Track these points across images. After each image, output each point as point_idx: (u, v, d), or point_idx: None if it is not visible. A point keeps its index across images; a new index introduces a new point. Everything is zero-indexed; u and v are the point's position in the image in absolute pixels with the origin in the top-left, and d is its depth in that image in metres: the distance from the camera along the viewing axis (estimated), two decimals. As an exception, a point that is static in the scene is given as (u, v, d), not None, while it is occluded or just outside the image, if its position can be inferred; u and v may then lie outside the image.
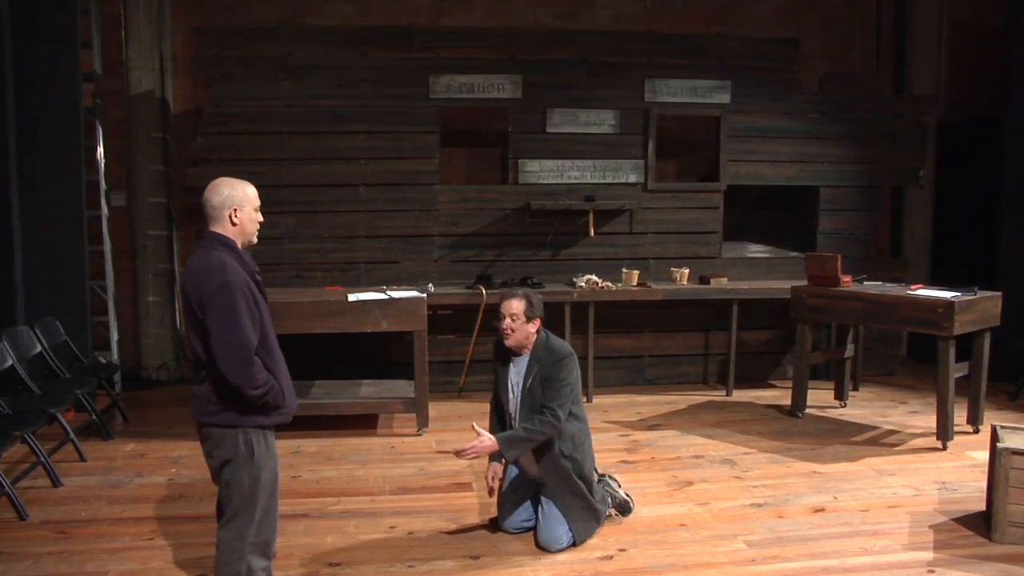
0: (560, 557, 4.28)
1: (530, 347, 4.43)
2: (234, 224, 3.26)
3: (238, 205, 3.26)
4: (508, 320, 4.36)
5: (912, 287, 6.48)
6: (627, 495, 4.83)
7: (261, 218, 3.37)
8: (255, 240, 3.36)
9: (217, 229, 3.27)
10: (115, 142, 7.66)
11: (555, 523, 4.36)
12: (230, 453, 3.25)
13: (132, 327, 7.91)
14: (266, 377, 3.21)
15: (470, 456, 4.26)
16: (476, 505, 4.93)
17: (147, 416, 6.88)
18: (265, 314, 3.28)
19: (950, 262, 8.61)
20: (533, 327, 4.39)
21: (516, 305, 4.35)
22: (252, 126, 7.40)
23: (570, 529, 4.38)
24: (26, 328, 6.17)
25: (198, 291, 3.12)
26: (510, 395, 4.47)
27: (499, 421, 4.61)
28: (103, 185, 7.44)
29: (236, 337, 3.11)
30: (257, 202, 3.34)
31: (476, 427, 4.27)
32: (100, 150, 7.42)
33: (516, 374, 4.46)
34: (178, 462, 5.73)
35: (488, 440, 4.23)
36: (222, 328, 3.10)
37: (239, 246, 3.28)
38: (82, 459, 5.74)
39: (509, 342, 4.39)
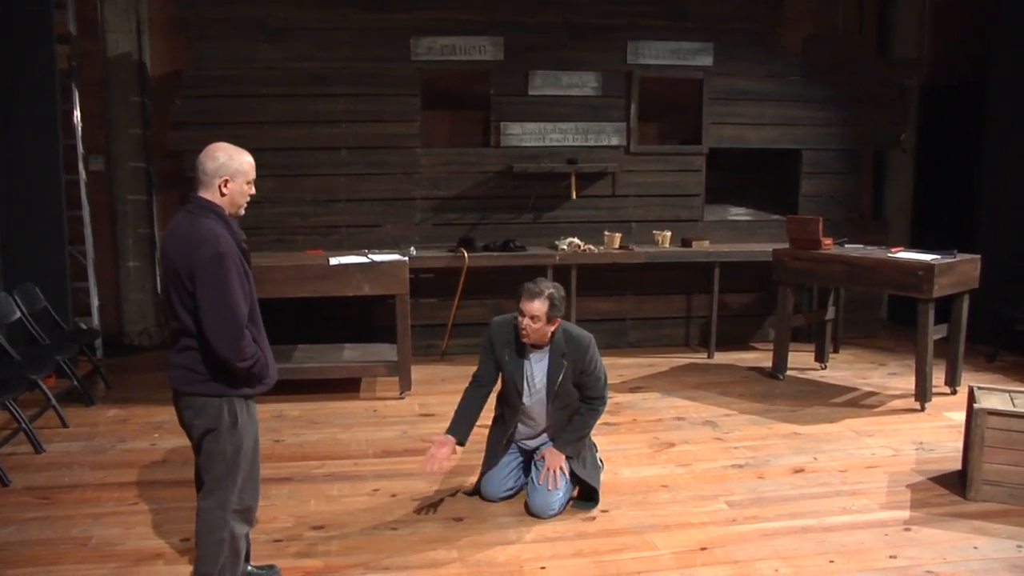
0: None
1: (548, 341, 4.34)
2: (223, 194, 3.18)
3: (230, 176, 3.17)
4: (528, 320, 4.21)
5: (893, 250, 6.50)
6: (601, 460, 4.83)
7: (253, 191, 3.28)
8: (242, 212, 3.28)
9: (206, 195, 3.18)
10: (92, 106, 7.51)
11: (550, 489, 4.36)
12: (213, 422, 3.21)
13: (113, 293, 7.83)
14: (254, 349, 3.17)
15: (437, 468, 4.26)
16: (459, 468, 4.94)
17: (129, 382, 6.85)
18: (251, 284, 3.23)
19: (930, 225, 8.62)
20: (553, 327, 4.28)
21: (539, 307, 4.19)
22: (232, 89, 7.27)
23: (573, 484, 4.41)
24: (5, 294, 6.09)
25: (188, 260, 3.04)
26: (526, 387, 4.39)
27: (506, 410, 4.52)
28: (80, 149, 7.30)
29: (228, 311, 3.06)
30: (252, 175, 3.25)
31: (426, 440, 4.39)
32: (77, 113, 7.27)
33: (536, 368, 4.37)
34: (160, 427, 5.71)
35: (447, 445, 4.27)
36: (214, 301, 3.04)
37: (227, 213, 3.21)
38: (64, 425, 5.71)
39: (525, 340, 4.29)
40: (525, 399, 4.41)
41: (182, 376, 3.20)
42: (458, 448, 4.37)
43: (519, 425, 4.52)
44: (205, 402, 3.20)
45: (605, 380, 4.42)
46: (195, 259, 3.03)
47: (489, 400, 4.55)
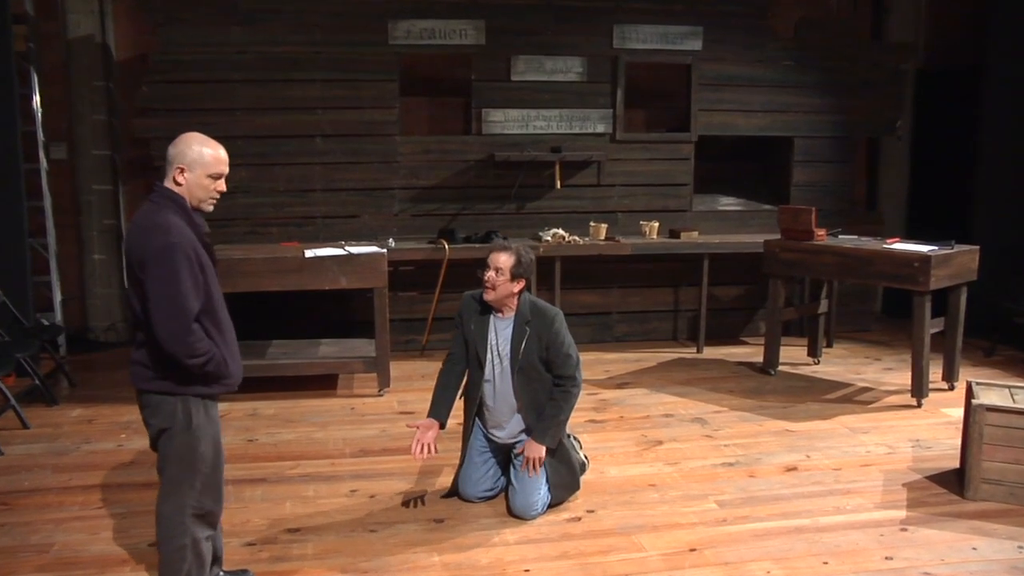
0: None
1: (513, 308, 4.35)
2: (178, 184, 3.12)
3: (186, 166, 3.11)
4: (492, 273, 4.27)
5: (888, 241, 6.53)
6: (586, 457, 4.82)
7: (222, 187, 3.21)
8: (208, 208, 3.21)
9: (168, 183, 3.14)
10: (53, 90, 7.42)
11: (531, 488, 4.33)
12: (167, 421, 3.17)
13: (77, 287, 7.76)
14: (206, 346, 3.10)
15: (427, 454, 4.29)
16: (440, 467, 4.91)
17: (95, 380, 6.78)
18: (212, 279, 3.17)
19: (927, 215, 8.65)
20: (517, 286, 4.30)
21: (504, 259, 4.26)
22: (202, 74, 7.21)
23: (548, 486, 4.39)
24: (-38, 288, 6.04)
25: (140, 251, 3.01)
26: (488, 355, 4.37)
27: (471, 381, 4.49)
28: (40, 136, 7.21)
29: (175, 303, 3.00)
30: (214, 169, 3.16)
31: (410, 424, 4.40)
32: (36, 99, 7.18)
33: (500, 336, 4.37)
34: (128, 427, 5.65)
35: (431, 428, 4.32)
36: (161, 292, 3.00)
37: (189, 205, 3.15)
38: (24, 426, 5.65)
39: (488, 296, 4.30)
40: (488, 371, 4.37)
41: (138, 373, 3.18)
42: (442, 434, 4.39)
43: (487, 413, 4.47)
44: (160, 400, 3.16)
45: (577, 361, 4.39)
46: (145, 248, 3.00)
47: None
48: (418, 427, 4.33)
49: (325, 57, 7.37)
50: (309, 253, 6.27)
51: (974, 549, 4.02)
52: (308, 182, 7.49)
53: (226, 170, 3.22)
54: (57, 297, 7.38)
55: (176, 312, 3.01)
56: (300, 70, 7.35)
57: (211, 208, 3.23)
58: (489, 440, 4.53)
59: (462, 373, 4.52)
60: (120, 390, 6.33)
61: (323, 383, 6.60)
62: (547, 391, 4.37)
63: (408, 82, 7.61)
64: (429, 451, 4.30)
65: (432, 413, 4.41)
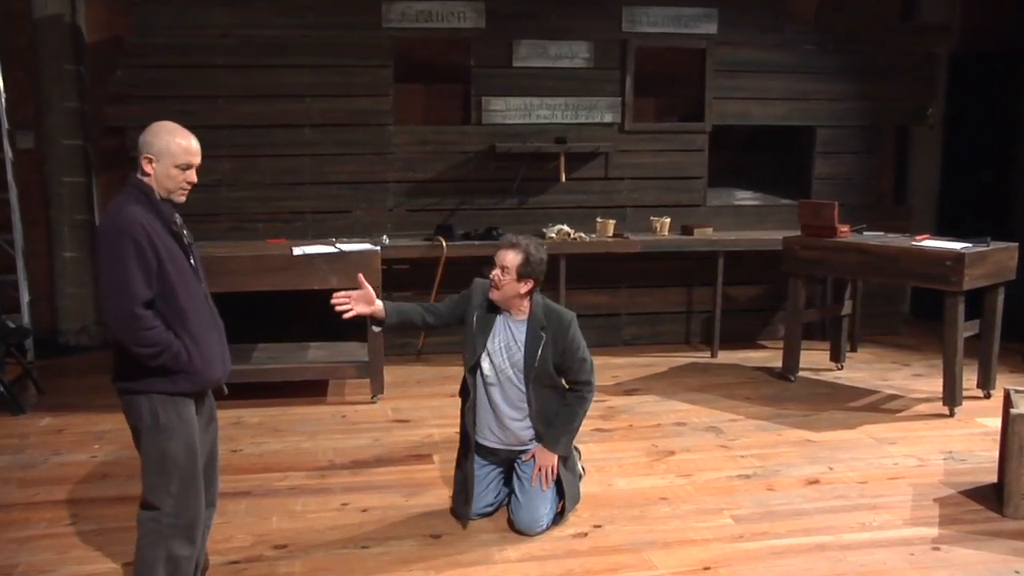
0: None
1: (524, 311, 4.33)
2: (146, 174, 3.21)
3: (154, 155, 3.20)
4: (498, 271, 4.25)
5: (917, 237, 6.52)
6: (583, 468, 4.81)
7: (192, 178, 3.27)
8: (180, 199, 3.29)
9: (138, 172, 3.24)
10: (18, 74, 7.40)
11: (537, 502, 4.32)
12: (136, 420, 3.26)
13: (47, 287, 7.73)
14: (158, 336, 3.13)
15: (341, 301, 4.20)
16: (437, 479, 4.92)
17: (65, 386, 6.77)
18: (177, 268, 3.21)
19: (960, 210, 8.61)
20: (524, 287, 4.26)
21: (511, 257, 4.23)
22: (181, 59, 7.20)
23: (566, 498, 4.39)
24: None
25: (96, 238, 3.13)
26: (487, 358, 4.33)
27: (468, 381, 4.45)
28: (5, 124, 7.18)
29: (119, 287, 3.08)
30: (182, 160, 3.22)
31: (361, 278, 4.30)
32: (-1, 83, 7.21)
33: (501, 338, 4.34)
34: (101, 437, 5.65)
35: (370, 301, 4.25)
36: (106, 278, 3.10)
37: (157, 195, 3.22)
38: (-11, 436, 5.67)
39: (493, 295, 4.28)
40: (489, 372, 4.34)
41: (114, 369, 3.27)
42: (439, 444, 4.36)
43: (486, 416, 4.43)
44: (129, 399, 3.25)
45: (592, 365, 4.40)
46: (97, 233, 3.14)
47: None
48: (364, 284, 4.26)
49: (315, 41, 7.36)
50: (297, 251, 6.27)
51: (1016, 573, 3.99)
52: (296, 175, 7.49)
53: (196, 161, 3.29)
54: (24, 298, 7.36)
55: (120, 297, 3.09)
56: (288, 55, 7.34)
57: (183, 199, 3.31)
58: (490, 451, 4.51)
59: (427, 322, 4.48)
60: (93, 397, 6.33)
61: (312, 389, 6.60)
62: (559, 398, 4.37)
63: (403, 68, 7.61)
64: (348, 308, 4.20)
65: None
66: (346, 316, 4.21)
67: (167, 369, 3.19)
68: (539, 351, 4.27)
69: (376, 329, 4.53)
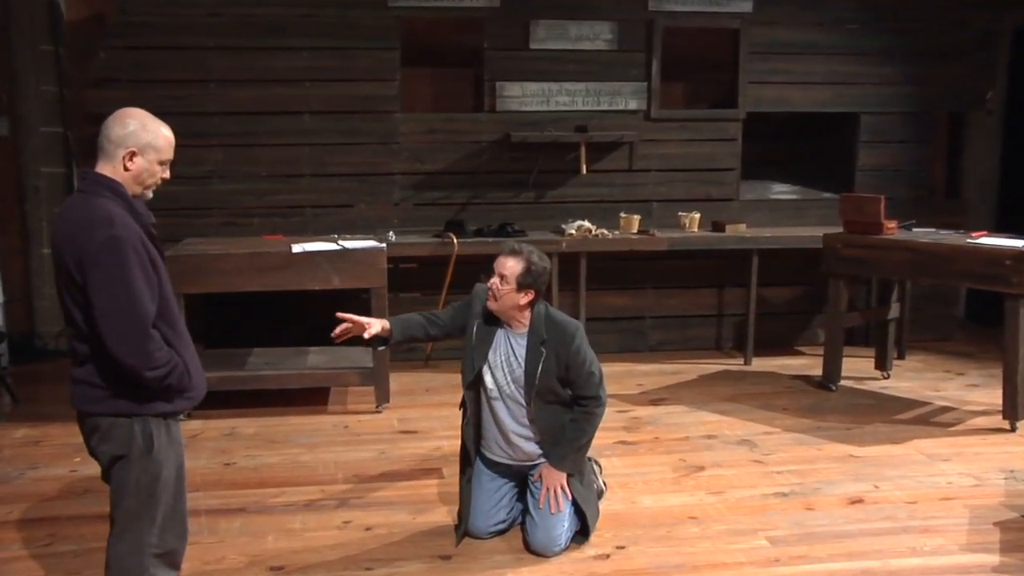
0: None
1: (524, 324, 4.32)
2: (127, 170, 3.10)
3: (139, 149, 3.10)
4: (496, 279, 4.24)
5: (973, 234, 6.49)
6: (605, 484, 4.84)
7: (166, 175, 3.20)
8: (149, 195, 3.21)
9: (105, 169, 3.10)
10: (-11, 55, 7.48)
11: (554, 520, 4.32)
12: (122, 447, 3.13)
13: (22, 286, 7.76)
14: (167, 355, 3.07)
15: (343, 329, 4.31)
16: (446, 495, 4.92)
17: (43, 394, 6.80)
18: (164, 277, 3.15)
19: (1021, 204, 8.55)
20: (523, 299, 4.25)
21: (511, 265, 4.22)
22: (169, 39, 7.24)
23: (587, 517, 4.39)
24: None
25: (77, 249, 2.95)
26: (488, 373, 4.35)
27: (467, 395, 4.48)
28: (-25, 109, 7.28)
29: (128, 307, 2.96)
30: (167, 155, 3.17)
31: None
32: (-32, 65, 7.26)
33: (502, 351, 4.35)
34: (82, 450, 5.48)
35: (374, 323, 4.34)
36: (110, 296, 2.95)
37: (130, 194, 3.12)
38: (-39, 449, 5.70)
39: (491, 305, 4.28)
40: (490, 384, 4.36)
41: (83, 394, 3.13)
42: (447, 458, 4.38)
43: (495, 442, 4.46)
44: (112, 423, 3.12)
45: (601, 377, 4.37)
46: (85, 246, 2.94)
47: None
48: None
49: (314, 21, 7.40)
50: (296, 248, 6.27)
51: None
52: (294, 166, 7.53)
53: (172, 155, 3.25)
54: (-1, 298, 7.43)
55: (131, 318, 2.97)
56: (285, 35, 7.38)
57: (151, 196, 3.23)
58: (500, 465, 4.52)
59: (429, 333, 4.56)
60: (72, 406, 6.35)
61: (312, 398, 6.62)
62: (567, 412, 4.37)
63: (411, 51, 7.63)
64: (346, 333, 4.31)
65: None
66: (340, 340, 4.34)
67: (171, 388, 3.13)
68: (539, 368, 4.26)
69: (380, 348, 4.58)
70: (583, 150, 7.64)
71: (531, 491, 4.42)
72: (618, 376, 7.24)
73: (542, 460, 4.43)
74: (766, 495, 5.03)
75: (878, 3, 8.04)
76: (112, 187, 3.08)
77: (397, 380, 6.82)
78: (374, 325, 4.31)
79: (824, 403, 6.66)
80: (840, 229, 6.83)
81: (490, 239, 7.17)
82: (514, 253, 4.26)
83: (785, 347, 8.19)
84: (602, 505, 4.65)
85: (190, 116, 7.08)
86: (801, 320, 8.36)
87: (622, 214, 7.61)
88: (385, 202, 7.64)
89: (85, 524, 4.63)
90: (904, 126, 8.25)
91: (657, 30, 7.75)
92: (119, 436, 3.12)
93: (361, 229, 7.43)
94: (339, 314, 4.30)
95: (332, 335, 4.29)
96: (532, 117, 7.70)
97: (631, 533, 4.55)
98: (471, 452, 4.50)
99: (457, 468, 4.58)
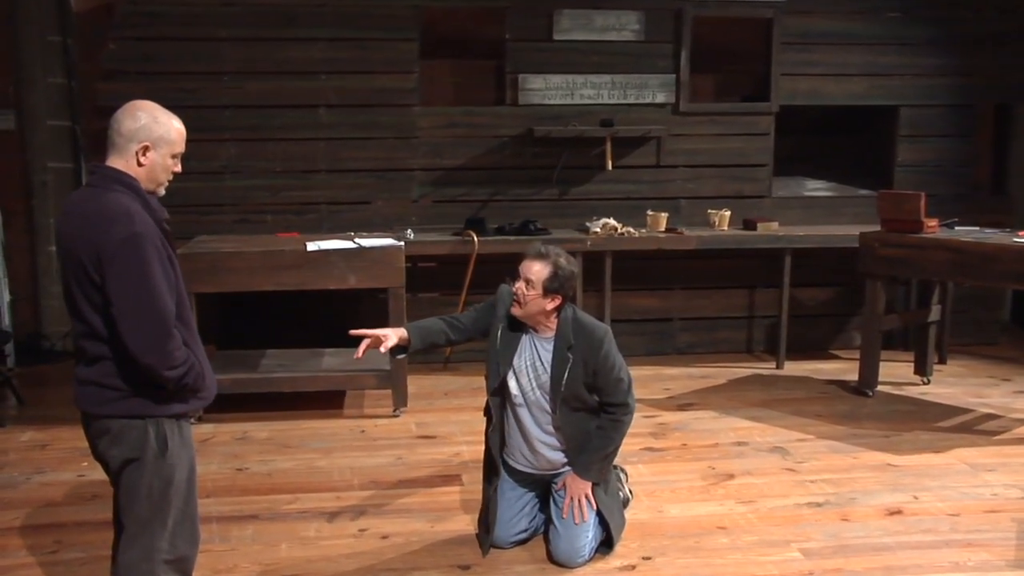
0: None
1: (551, 329, 4.31)
2: (140, 164, 3.11)
3: (152, 143, 3.11)
4: (521, 284, 4.23)
5: (1020, 233, 6.45)
6: (631, 492, 4.84)
7: (178, 168, 3.22)
8: (162, 192, 3.22)
9: (117, 163, 3.12)
10: (-6, 46, 7.53)
11: (578, 530, 4.32)
12: (134, 450, 3.13)
13: (29, 286, 7.82)
14: (185, 354, 3.09)
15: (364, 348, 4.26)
16: (466, 503, 4.93)
17: (50, 397, 6.84)
18: (179, 275, 3.17)
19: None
20: (550, 304, 4.24)
21: (537, 269, 4.20)
22: (181, 30, 7.29)
23: (612, 528, 4.39)
24: None
25: (93, 245, 2.97)
26: (513, 379, 4.35)
27: (491, 402, 4.47)
28: (-21, 102, 7.34)
29: (150, 305, 2.98)
30: (179, 148, 3.19)
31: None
32: (-26, 56, 7.30)
33: (528, 357, 4.35)
34: (90, 454, 5.68)
35: (393, 335, 4.29)
36: (131, 294, 2.97)
37: (143, 189, 3.14)
38: (-35, 452, 5.75)
39: (515, 311, 4.28)
40: (515, 389, 4.35)
41: (92, 395, 3.14)
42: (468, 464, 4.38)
43: (519, 450, 4.48)
44: (124, 425, 3.12)
45: (630, 384, 4.36)
46: (103, 242, 2.96)
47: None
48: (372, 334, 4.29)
49: (330, 11, 7.42)
50: (311, 246, 6.30)
51: None
52: (310, 161, 7.56)
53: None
54: (4, 298, 7.47)
55: (152, 316, 2.99)
56: (300, 27, 7.41)
57: (164, 192, 3.24)
58: (523, 474, 4.53)
59: (449, 338, 4.52)
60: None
61: (327, 401, 6.64)
62: (594, 419, 4.37)
63: (430, 42, 7.66)
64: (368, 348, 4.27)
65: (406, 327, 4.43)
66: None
67: (187, 388, 3.15)
68: (566, 374, 4.25)
69: (399, 356, 4.55)
70: (608, 145, 7.64)
71: (554, 500, 4.43)
72: (645, 380, 7.23)
73: (566, 469, 4.43)
74: (799, 505, 5.02)
75: (919, -10, 8.01)
76: (126, 182, 3.09)
77: (415, 383, 6.84)
78: (391, 337, 4.26)
79: (860, 409, 6.63)
80: (878, 228, 6.80)
81: (512, 238, 7.18)
82: (540, 256, 4.24)
83: (819, 351, 8.17)
84: (628, 514, 4.65)
85: (202, 109, 7.12)
86: (836, 322, 8.33)
87: (649, 212, 7.60)
88: (403, 199, 7.66)
89: (92, 531, 4.64)
90: (946, 119, 8.20)
91: (686, 20, 7.74)
92: (132, 439, 3.13)
93: (378, 227, 7.46)
94: (352, 332, 4.26)
95: (355, 356, 4.26)
96: (556, 111, 7.70)
97: (658, 544, 4.54)
98: (497, 460, 4.50)
99: (477, 475, 4.58)
